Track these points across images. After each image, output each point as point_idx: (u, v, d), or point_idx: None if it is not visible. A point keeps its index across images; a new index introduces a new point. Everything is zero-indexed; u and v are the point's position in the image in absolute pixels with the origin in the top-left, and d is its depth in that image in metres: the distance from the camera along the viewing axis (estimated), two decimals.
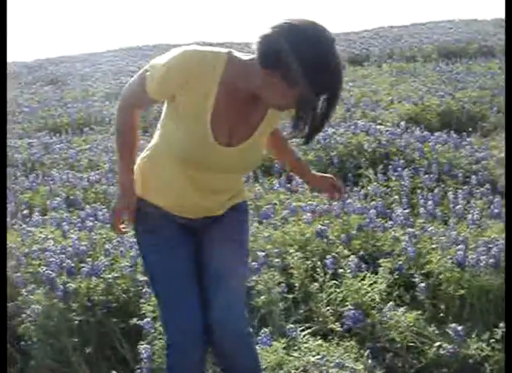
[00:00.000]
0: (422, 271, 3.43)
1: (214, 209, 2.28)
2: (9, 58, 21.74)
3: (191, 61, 1.98)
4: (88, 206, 4.83)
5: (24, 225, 4.40)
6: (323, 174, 2.61)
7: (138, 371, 2.74)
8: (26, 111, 10.19)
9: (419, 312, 3.14)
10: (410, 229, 3.79)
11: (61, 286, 3.32)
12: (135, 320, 3.06)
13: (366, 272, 3.43)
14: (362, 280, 3.36)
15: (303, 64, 1.82)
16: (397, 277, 3.43)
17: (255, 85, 1.97)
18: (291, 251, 3.57)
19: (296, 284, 3.43)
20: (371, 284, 3.33)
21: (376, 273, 3.43)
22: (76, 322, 3.19)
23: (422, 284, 3.26)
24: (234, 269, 2.28)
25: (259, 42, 1.90)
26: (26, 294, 3.34)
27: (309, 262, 3.53)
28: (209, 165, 2.11)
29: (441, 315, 3.24)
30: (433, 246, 3.58)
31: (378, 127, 6.30)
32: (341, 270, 3.41)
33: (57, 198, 5.07)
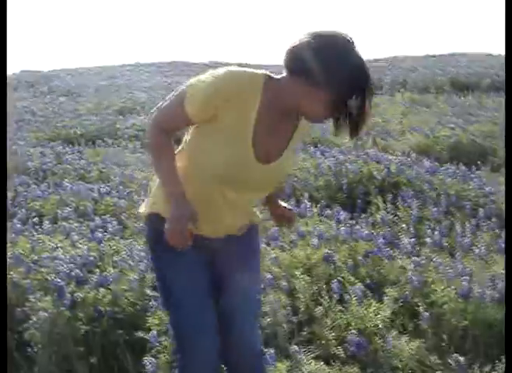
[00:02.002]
0: (427, 300, 3.46)
1: (237, 227, 2.30)
2: (26, 67, 21.92)
3: (235, 81, 2.05)
4: (97, 217, 4.88)
5: (34, 233, 4.45)
6: (283, 206, 2.51)
7: None
8: (40, 120, 10.29)
9: (422, 341, 3.16)
10: (416, 258, 3.81)
11: (69, 295, 3.36)
12: (140, 333, 3.09)
13: (371, 299, 3.46)
14: (367, 307, 3.39)
15: (326, 67, 1.92)
16: (401, 305, 3.46)
17: (293, 99, 2.03)
18: (297, 274, 3.60)
19: (301, 307, 3.46)
20: (376, 311, 3.36)
21: (381, 301, 3.46)
22: (82, 331, 3.22)
23: (426, 314, 3.28)
24: (252, 291, 2.34)
25: (287, 52, 2.01)
26: (33, 300, 3.37)
27: (315, 286, 3.56)
28: (246, 182, 2.14)
29: (444, 345, 3.25)
30: (439, 277, 3.60)
31: (389, 156, 6.34)
32: (346, 296, 3.44)
33: (68, 208, 5.13)
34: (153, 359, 2.80)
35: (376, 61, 19.99)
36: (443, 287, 3.44)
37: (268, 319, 3.21)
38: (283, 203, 2.51)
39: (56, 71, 21.96)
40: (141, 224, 4.62)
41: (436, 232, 4.36)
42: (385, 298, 3.45)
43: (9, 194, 5.67)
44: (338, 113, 2.01)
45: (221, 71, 2.06)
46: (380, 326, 3.28)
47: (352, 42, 1.98)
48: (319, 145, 7.17)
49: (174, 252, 2.17)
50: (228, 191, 2.16)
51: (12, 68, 24.58)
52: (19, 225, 4.64)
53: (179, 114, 2.08)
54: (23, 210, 5.13)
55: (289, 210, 2.51)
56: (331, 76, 1.93)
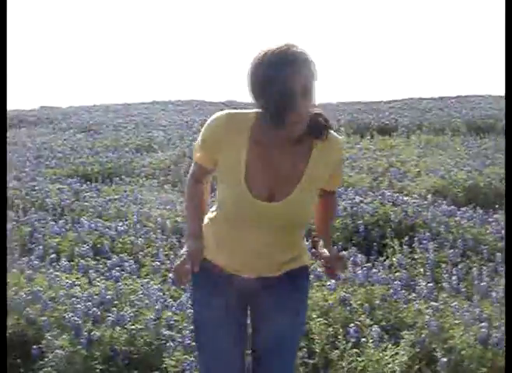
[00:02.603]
0: (444, 346, 3.43)
1: (269, 269, 2.26)
2: (45, 103, 22.24)
3: (221, 122, 2.15)
4: (114, 255, 4.90)
5: (51, 270, 4.47)
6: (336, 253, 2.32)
7: None
8: (58, 156, 10.39)
9: None
10: (434, 303, 3.79)
11: (86, 333, 3.37)
12: None
13: (387, 343, 3.43)
14: (383, 350, 3.36)
15: (248, 82, 2.02)
16: (418, 350, 3.43)
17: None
18: (313, 316, 3.59)
19: (317, 350, 3.44)
20: (392, 355, 3.33)
21: (398, 345, 3.43)
22: (98, 370, 3.22)
23: (444, 359, 3.25)
24: (284, 339, 2.29)
25: None
26: (50, 338, 3.39)
27: (331, 329, 3.54)
28: (253, 222, 2.13)
29: None
30: (456, 322, 3.58)
31: (405, 198, 6.34)
32: (363, 339, 3.42)
33: (85, 245, 5.15)
34: None
35: (391, 101, 20.10)
36: (461, 333, 3.41)
37: None
38: (326, 249, 2.28)
39: (74, 108, 22.23)
40: (157, 263, 4.65)
41: (453, 276, 4.33)
42: (402, 341, 3.43)
43: (26, 229, 5.73)
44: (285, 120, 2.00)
45: (212, 116, 2.19)
46: (396, 371, 3.25)
47: (268, 52, 1.99)
48: None
49: (206, 294, 2.28)
50: (244, 230, 2.17)
51: (32, 104, 24.94)
52: (36, 262, 4.67)
53: (195, 166, 2.29)
54: (41, 246, 5.16)
55: (337, 256, 2.24)
56: (252, 90, 2.02)
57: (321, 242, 2.32)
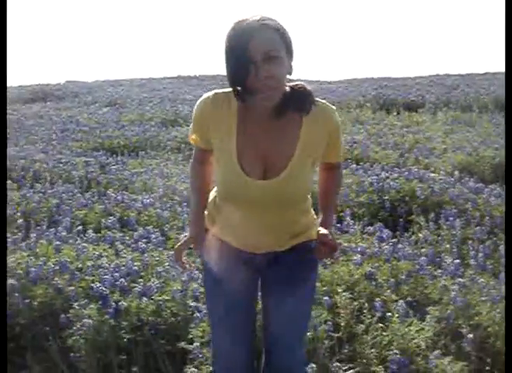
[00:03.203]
0: (470, 322, 3.42)
1: (275, 244, 2.29)
2: (71, 77, 22.32)
3: (206, 104, 2.16)
4: (140, 228, 4.94)
5: (78, 241, 4.52)
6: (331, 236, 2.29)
7: None
8: (84, 130, 10.45)
9: (465, 364, 3.12)
10: (460, 279, 3.77)
11: (113, 303, 3.41)
12: (182, 344, 3.11)
13: (412, 318, 3.43)
14: (408, 325, 3.36)
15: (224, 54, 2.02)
16: (444, 326, 3.42)
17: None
18: (339, 290, 3.59)
19: (342, 324, 3.45)
20: (418, 330, 3.33)
21: (423, 321, 3.43)
22: (125, 340, 3.26)
23: (470, 336, 3.24)
24: (296, 316, 2.32)
25: None
26: (78, 307, 3.43)
27: (356, 303, 3.55)
28: (249, 200, 2.15)
29: (487, 368, 3.21)
30: (483, 299, 3.56)
31: (432, 175, 6.29)
32: (388, 314, 3.42)
33: (111, 217, 5.19)
34: (195, 370, 2.82)
35: (418, 78, 19.89)
36: (487, 310, 3.40)
37: (309, 334, 3.20)
38: (325, 231, 2.27)
39: (99, 82, 22.31)
40: (182, 235, 4.67)
41: (480, 254, 4.30)
42: (427, 317, 3.42)
43: (54, 202, 5.78)
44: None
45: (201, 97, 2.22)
46: (422, 346, 3.25)
47: (236, 23, 2.01)
48: (361, 163, 7.13)
49: (217, 269, 2.32)
50: (242, 208, 2.19)
51: (58, 78, 25.03)
52: (63, 233, 4.72)
53: (194, 148, 2.35)
54: (68, 218, 5.22)
55: (331, 240, 2.23)
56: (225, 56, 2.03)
57: (319, 220, 2.36)
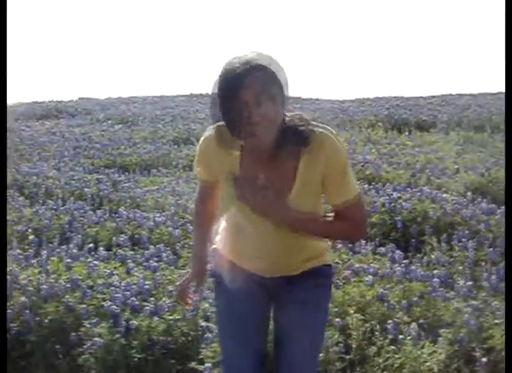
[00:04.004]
0: (484, 346, 3.38)
1: (287, 269, 2.28)
2: (83, 94, 22.49)
3: (209, 142, 2.23)
4: (152, 246, 4.93)
5: (90, 258, 4.52)
6: None
7: None
8: (96, 147, 10.49)
9: None
10: (473, 302, 3.74)
11: (124, 322, 3.40)
12: (193, 364, 3.10)
13: (425, 340, 3.40)
14: (421, 348, 3.33)
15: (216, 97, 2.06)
16: (457, 349, 3.39)
17: None
18: (350, 312, 3.57)
19: (354, 346, 3.42)
20: (430, 353, 3.30)
21: (436, 343, 3.39)
22: (135, 359, 3.25)
23: (484, 359, 3.20)
24: (302, 331, 2.27)
25: None
26: (88, 326, 3.42)
27: (367, 324, 3.52)
28: (258, 233, 2.19)
29: None
30: (496, 322, 3.52)
31: (444, 195, 6.26)
32: (400, 336, 3.39)
33: (123, 235, 5.20)
34: None
35: (430, 97, 19.87)
36: (501, 333, 3.36)
37: (321, 355, 3.18)
38: None
39: (112, 100, 22.41)
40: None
41: (493, 276, 4.26)
42: (440, 339, 3.39)
43: (66, 219, 5.80)
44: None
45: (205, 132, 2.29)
46: (434, 369, 3.22)
47: (225, 67, 2.04)
48: (373, 182, 7.11)
49: (230, 291, 2.32)
50: (256, 240, 2.22)
51: (71, 95, 25.24)
52: (75, 250, 4.72)
53: (199, 179, 2.45)
54: (79, 235, 5.23)
55: None
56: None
57: None
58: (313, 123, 2.14)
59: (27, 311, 3.67)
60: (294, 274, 2.28)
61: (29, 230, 5.49)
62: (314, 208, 2.18)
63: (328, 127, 2.17)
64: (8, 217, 5.07)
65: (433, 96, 20.11)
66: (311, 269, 2.29)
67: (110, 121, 14.93)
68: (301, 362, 2.28)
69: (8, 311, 3.55)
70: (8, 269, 3.79)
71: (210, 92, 2.09)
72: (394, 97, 20.09)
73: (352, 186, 2.16)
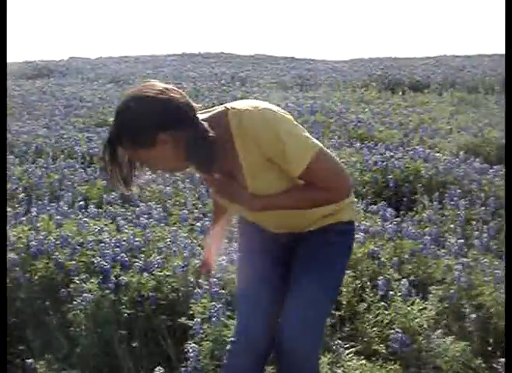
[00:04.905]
0: (473, 303, 3.39)
1: (299, 228, 2.28)
2: (74, 54, 22.21)
3: None
4: (143, 204, 4.91)
5: (80, 216, 4.49)
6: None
7: (183, 369, 2.76)
8: (87, 106, 10.39)
9: (467, 343, 3.09)
10: (464, 259, 3.74)
11: (114, 278, 3.39)
12: (183, 319, 3.10)
13: (415, 297, 3.40)
14: (411, 304, 3.33)
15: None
16: (446, 305, 3.40)
17: None
18: None
19: (344, 302, 3.43)
20: (420, 309, 3.31)
21: (426, 300, 3.40)
22: (125, 315, 3.25)
23: (473, 316, 3.22)
24: (309, 285, 2.18)
25: None
26: (78, 282, 3.41)
27: (358, 281, 3.53)
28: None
29: (490, 348, 3.19)
30: (486, 279, 3.53)
31: (437, 154, 6.24)
32: (390, 293, 3.39)
33: (113, 193, 5.17)
34: (196, 345, 2.80)
35: (424, 58, 19.74)
36: (490, 290, 3.37)
37: None
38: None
39: (102, 59, 22.18)
40: (185, 212, 4.65)
41: (484, 234, 4.27)
42: (430, 296, 3.40)
43: (56, 177, 5.76)
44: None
45: None
46: (424, 325, 3.23)
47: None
48: (366, 142, 7.08)
49: (245, 236, 2.45)
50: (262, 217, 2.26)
51: (61, 55, 24.93)
52: (65, 208, 4.69)
53: None
54: (70, 193, 5.19)
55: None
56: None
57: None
58: (229, 106, 2.06)
59: (17, 269, 3.64)
60: (306, 231, 2.26)
61: (19, 188, 5.45)
62: (287, 185, 2.07)
63: (247, 102, 2.07)
64: None
65: (428, 57, 20.00)
66: (324, 226, 2.24)
67: (100, 80, 14.79)
68: (298, 319, 2.14)
69: None
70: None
71: None
72: (388, 58, 19.95)
73: (302, 151, 1.99)
